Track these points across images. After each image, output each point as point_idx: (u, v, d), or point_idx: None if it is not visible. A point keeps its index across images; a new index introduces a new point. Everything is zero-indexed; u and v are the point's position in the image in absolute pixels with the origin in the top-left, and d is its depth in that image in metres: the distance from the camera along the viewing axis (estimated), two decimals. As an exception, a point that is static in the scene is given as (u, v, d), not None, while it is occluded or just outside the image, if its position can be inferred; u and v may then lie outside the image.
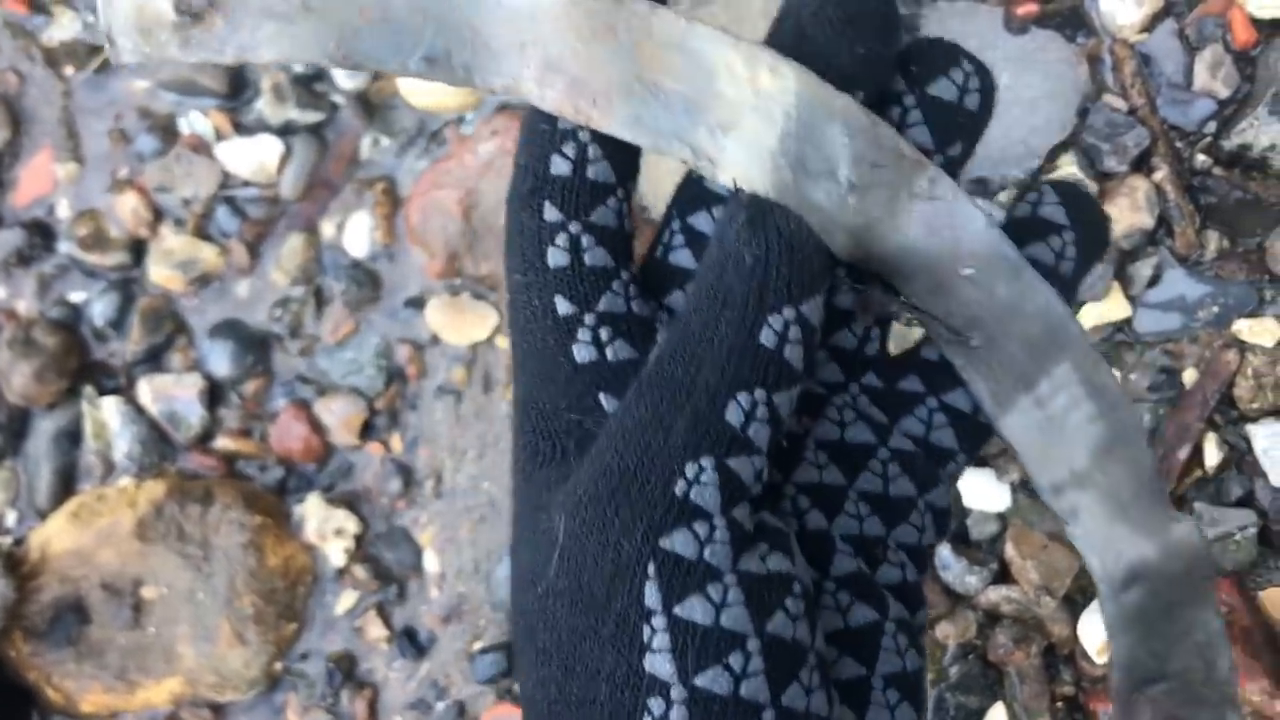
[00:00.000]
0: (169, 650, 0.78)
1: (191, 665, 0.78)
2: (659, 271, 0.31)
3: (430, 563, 0.80)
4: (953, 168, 0.29)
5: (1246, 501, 0.70)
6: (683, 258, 0.31)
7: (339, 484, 0.82)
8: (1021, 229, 0.30)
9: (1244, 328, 0.71)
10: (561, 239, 0.28)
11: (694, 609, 0.25)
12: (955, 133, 0.29)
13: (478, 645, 0.79)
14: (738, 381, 0.26)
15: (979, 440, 0.31)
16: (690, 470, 0.25)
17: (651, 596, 0.25)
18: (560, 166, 0.28)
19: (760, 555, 0.26)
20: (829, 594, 0.29)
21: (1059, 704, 0.71)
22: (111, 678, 0.77)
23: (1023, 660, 0.71)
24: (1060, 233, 0.30)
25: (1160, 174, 0.72)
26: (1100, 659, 0.69)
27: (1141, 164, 0.73)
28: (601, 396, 0.29)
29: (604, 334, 0.29)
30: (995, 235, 0.28)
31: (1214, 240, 0.72)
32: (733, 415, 0.26)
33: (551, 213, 0.28)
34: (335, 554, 0.80)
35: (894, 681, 0.29)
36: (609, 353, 0.29)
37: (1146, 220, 0.71)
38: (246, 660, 0.78)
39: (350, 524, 0.80)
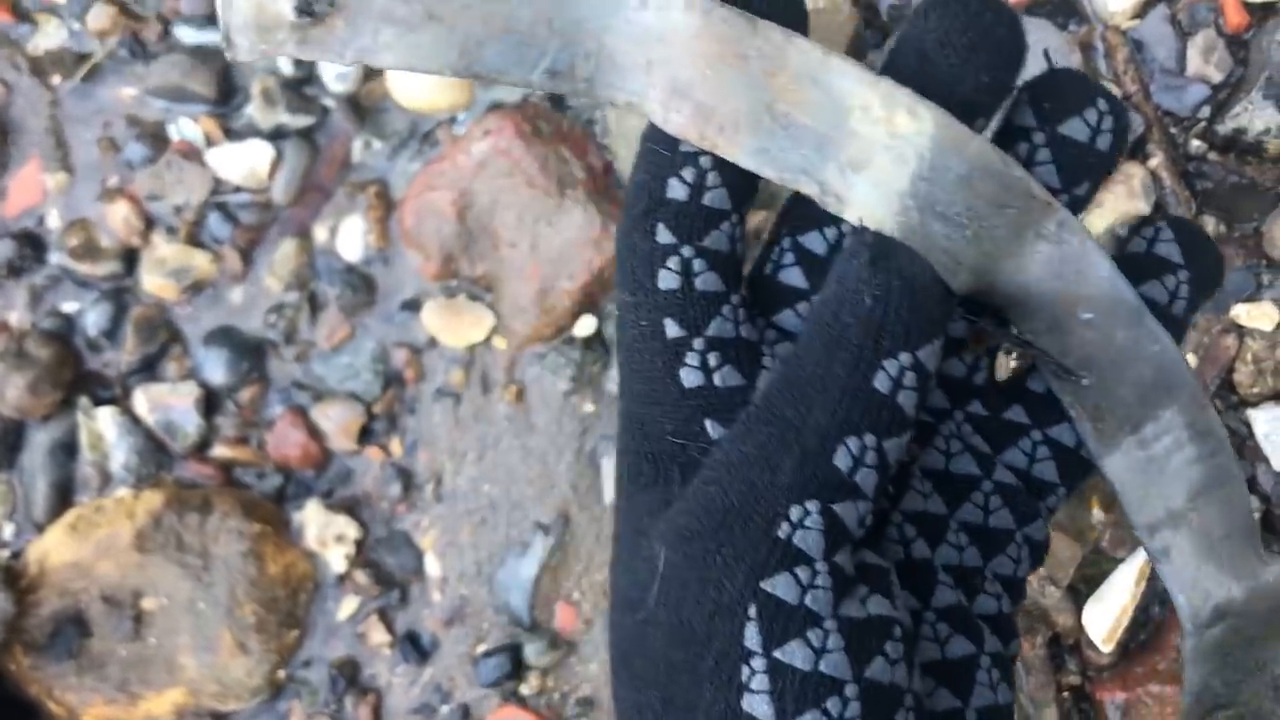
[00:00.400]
0: (171, 661, 0.77)
1: (194, 675, 0.77)
2: (768, 288, 0.30)
3: (432, 566, 0.80)
4: (1077, 206, 0.29)
5: (1249, 487, 0.70)
6: (793, 276, 0.30)
7: (338, 490, 0.81)
8: (1135, 266, 0.30)
9: (1242, 312, 0.71)
10: (673, 262, 0.28)
11: (794, 653, 0.25)
12: (1084, 174, 0.29)
13: (481, 648, 0.78)
14: (848, 425, 0.25)
15: (1080, 475, 0.31)
16: (795, 513, 0.25)
17: (752, 638, 0.25)
18: (677, 190, 0.28)
19: (860, 599, 0.26)
20: (928, 624, 0.29)
21: (1065, 694, 0.71)
22: (113, 690, 0.77)
23: (1028, 651, 0.70)
24: (1175, 272, 0.30)
25: (1155, 160, 0.72)
26: (1105, 648, 0.69)
27: (1136, 151, 0.73)
28: (707, 422, 0.28)
29: (712, 359, 0.28)
30: (1120, 282, 0.28)
31: (1210, 225, 0.72)
32: (841, 460, 0.25)
33: (665, 235, 0.28)
34: (336, 560, 0.80)
35: (987, 715, 0.29)
36: (716, 378, 0.28)
37: (1143, 207, 0.71)
38: (249, 669, 0.78)
39: (350, 529, 0.80)
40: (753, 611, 0.25)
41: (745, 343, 0.29)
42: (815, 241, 0.30)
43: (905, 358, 0.25)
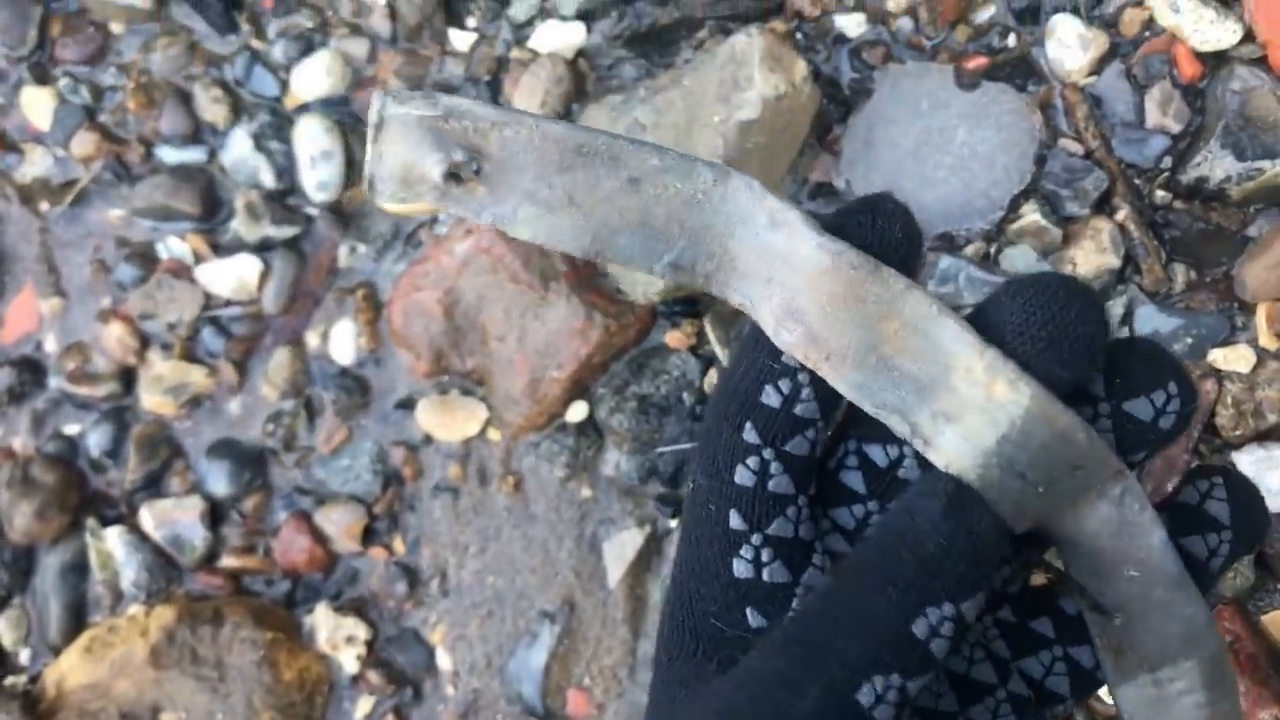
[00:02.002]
0: (193, 774, 0.78)
1: (216, 786, 0.78)
2: (828, 483, 0.32)
3: (443, 661, 0.81)
4: (1163, 495, 0.31)
5: (1240, 528, 0.71)
6: (854, 480, 0.31)
7: (346, 591, 0.82)
8: (1183, 518, 0.31)
9: (1219, 356, 0.72)
10: (753, 461, 0.30)
11: None
12: (1141, 447, 0.30)
13: (498, 738, 0.79)
14: (878, 665, 0.26)
15: (1089, 691, 0.32)
16: (876, 683, 0.26)
17: None
18: (771, 398, 0.30)
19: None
20: None
21: (1077, 746, 0.72)
22: (138, 806, 0.78)
23: (1036, 707, 0.71)
24: (1220, 531, 0.30)
25: (1122, 213, 0.73)
26: (1109, 698, 0.70)
27: (1103, 205, 0.74)
28: (749, 610, 0.30)
29: (765, 555, 0.30)
30: (1169, 554, 0.29)
31: (1181, 273, 0.73)
32: (864, 696, 0.26)
33: (751, 435, 0.30)
34: (348, 661, 0.81)
35: None
36: (765, 573, 0.30)
37: (1113, 260, 0.72)
38: (270, 776, 0.79)
39: (360, 630, 0.81)
40: None
41: (800, 542, 0.30)
42: (878, 454, 0.31)
43: (949, 608, 0.26)
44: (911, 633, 0.26)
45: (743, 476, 0.30)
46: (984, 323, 0.28)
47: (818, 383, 0.29)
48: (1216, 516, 0.31)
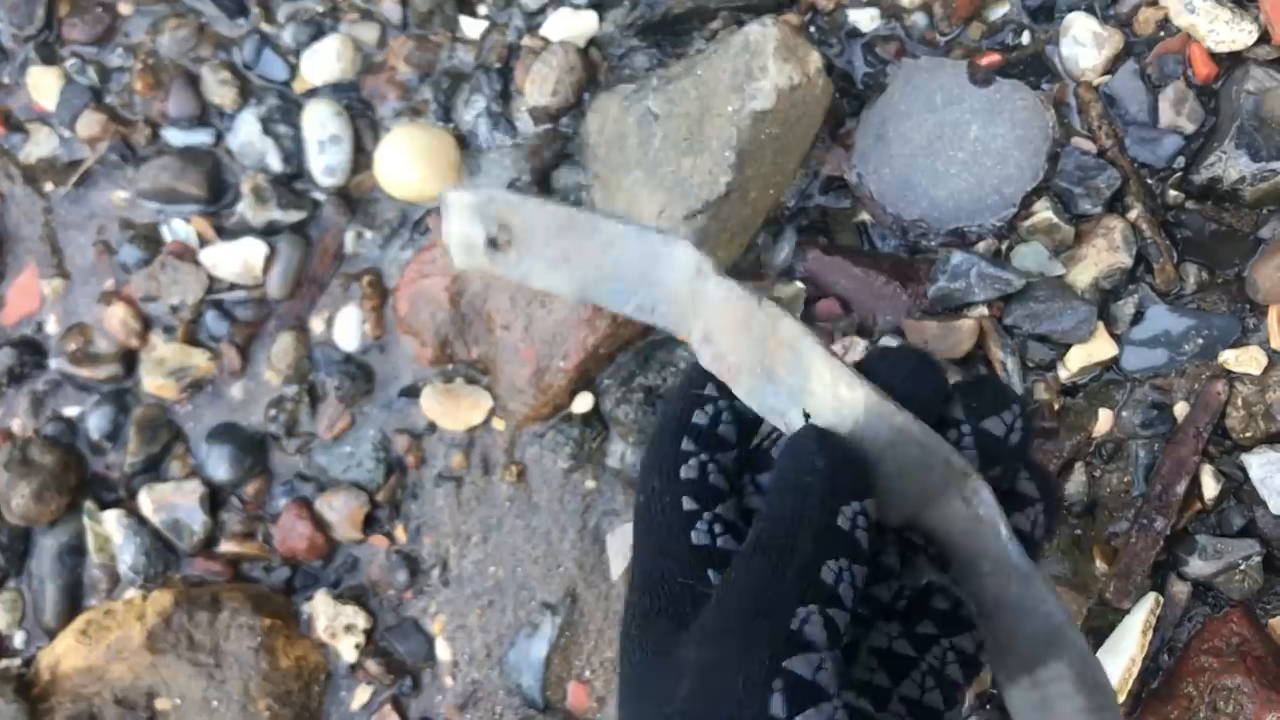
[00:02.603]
0: (187, 760, 0.77)
1: (211, 774, 0.77)
2: (761, 456, 0.39)
3: (442, 651, 0.80)
4: (994, 482, 0.35)
5: (1248, 531, 0.70)
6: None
7: (345, 579, 0.82)
8: (1006, 500, 0.35)
9: (1230, 358, 0.71)
10: (694, 462, 0.37)
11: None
12: (997, 460, 0.36)
13: (496, 730, 0.79)
14: (829, 550, 0.32)
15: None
16: (801, 612, 0.31)
17: (777, 707, 0.30)
18: (700, 419, 0.38)
19: (854, 695, 0.33)
20: None
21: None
22: (131, 793, 0.77)
23: (1041, 706, 0.71)
24: (1034, 504, 0.37)
25: (1134, 212, 0.73)
26: (1117, 700, 0.69)
27: (1115, 204, 0.74)
28: (710, 572, 0.36)
29: (717, 528, 0.36)
30: (1013, 548, 0.33)
31: (1193, 274, 0.73)
32: (827, 575, 0.32)
33: (688, 445, 0.37)
34: (347, 650, 0.80)
35: None
36: (719, 541, 0.36)
37: (1125, 259, 0.72)
38: (265, 764, 0.78)
39: (360, 619, 0.80)
40: (778, 685, 0.30)
41: (737, 526, 0.37)
42: None
43: (856, 505, 0.33)
44: (839, 526, 0.32)
45: (688, 473, 0.37)
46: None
47: (731, 409, 0.38)
48: (1026, 493, 0.37)
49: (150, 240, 0.85)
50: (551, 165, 0.80)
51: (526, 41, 0.81)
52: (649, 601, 0.36)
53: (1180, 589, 0.71)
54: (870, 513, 0.33)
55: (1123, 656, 0.70)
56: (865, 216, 0.77)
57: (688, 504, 0.36)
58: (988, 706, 0.72)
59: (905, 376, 0.35)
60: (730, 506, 0.37)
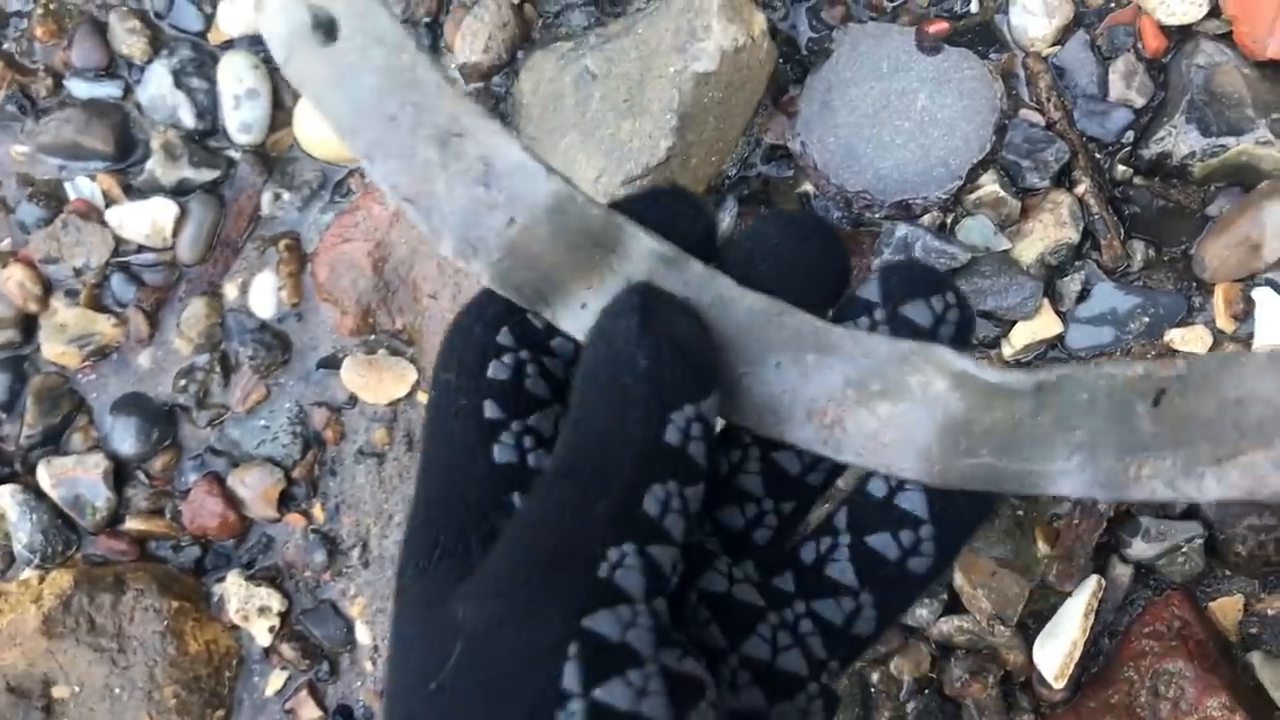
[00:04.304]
0: (87, 751, 0.73)
1: (112, 765, 0.73)
2: (727, 488, 0.32)
3: (362, 635, 0.76)
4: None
5: (1191, 513, 0.69)
6: (753, 483, 0.32)
7: (259, 559, 0.78)
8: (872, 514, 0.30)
9: (1176, 336, 0.70)
10: (509, 358, 0.29)
11: (615, 693, 0.24)
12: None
13: (418, 717, 0.75)
14: (651, 474, 0.26)
15: (841, 644, 0.31)
16: (614, 554, 0.25)
17: (570, 678, 0.23)
18: (519, 324, 0.30)
19: (677, 656, 0.26)
20: None
21: (1020, 733, 0.70)
22: (26, 785, 0.73)
23: (980, 692, 0.69)
24: (918, 527, 0.30)
25: (1082, 187, 0.71)
26: (1058, 684, 0.68)
27: (1063, 178, 0.72)
28: (515, 497, 0.28)
29: (528, 442, 0.29)
30: (795, 318, 0.29)
31: (1140, 251, 0.71)
32: (650, 505, 0.25)
33: (506, 338, 0.29)
34: (261, 634, 0.76)
35: None
36: (530, 459, 0.29)
37: (1072, 235, 0.70)
38: (172, 754, 0.74)
39: (274, 601, 0.76)
40: (573, 650, 0.24)
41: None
42: (788, 460, 0.32)
43: (690, 409, 0.26)
44: (667, 441, 0.26)
45: (497, 371, 0.29)
46: (735, 247, 0.30)
47: (548, 342, 0.30)
48: (912, 510, 0.30)
49: (52, 198, 0.80)
50: (483, 126, 0.76)
51: (457, -4, 0.77)
52: (429, 536, 0.28)
53: (1122, 572, 0.70)
54: (710, 416, 0.27)
55: (1064, 640, 0.68)
56: (808, 187, 0.75)
57: (491, 410, 0.28)
58: (926, 692, 0.71)
59: (795, 242, 0.29)
60: (550, 417, 0.29)
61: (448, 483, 0.29)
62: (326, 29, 0.29)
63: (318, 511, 0.77)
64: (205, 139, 0.79)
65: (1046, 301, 0.71)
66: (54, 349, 0.78)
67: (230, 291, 0.79)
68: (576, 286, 0.29)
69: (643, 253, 0.29)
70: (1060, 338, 0.71)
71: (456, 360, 0.29)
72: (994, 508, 0.31)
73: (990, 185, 0.71)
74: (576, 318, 0.29)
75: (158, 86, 0.78)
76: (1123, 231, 0.71)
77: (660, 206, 0.30)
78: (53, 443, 0.79)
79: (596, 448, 0.26)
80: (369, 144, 0.29)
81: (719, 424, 0.29)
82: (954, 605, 0.70)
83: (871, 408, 0.28)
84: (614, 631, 0.24)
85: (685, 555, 0.28)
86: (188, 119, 0.78)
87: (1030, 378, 0.28)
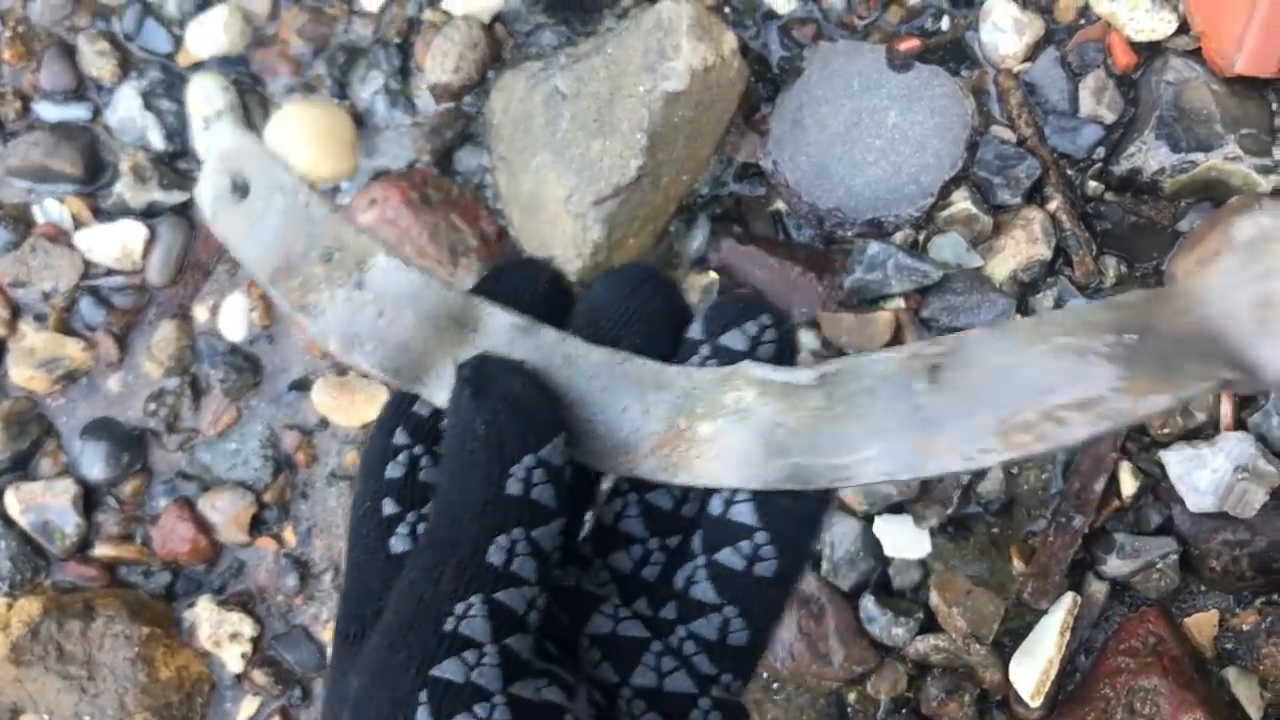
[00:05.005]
0: (56, 781, 0.72)
1: (82, 794, 0.72)
2: (610, 533, 0.34)
3: (335, 660, 0.76)
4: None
5: (1165, 529, 0.69)
6: (634, 526, 0.34)
7: (231, 584, 0.77)
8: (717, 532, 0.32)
9: (1148, 353, 0.70)
10: (402, 458, 0.32)
11: None
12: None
13: (392, 742, 0.74)
14: (494, 528, 0.28)
15: (734, 659, 0.33)
16: (459, 608, 0.28)
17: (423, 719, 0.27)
18: (421, 409, 0.33)
19: (537, 687, 0.28)
20: None
21: (997, 752, 0.70)
22: (-6, 816, 0.72)
23: (956, 711, 0.69)
24: (753, 535, 0.32)
25: (1054, 204, 0.71)
26: (1034, 702, 0.68)
27: (1034, 194, 0.72)
28: None
29: (421, 529, 0.32)
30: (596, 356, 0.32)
31: (1112, 266, 0.71)
32: (494, 556, 0.28)
33: (401, 437, 0.33)
34: (232, 659, 0.75)
35: None
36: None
37: (1044, 251, 0.70)
38: (143, 783, 0.73)
39: (246, 626, 0.75)
40: (423, 697, 0.27)
41: None
42: (661, 498, 0.34)
43: (530, 459, 0.29)
44: (508, 493, 0.29)
45: (393, 470, 0.32)
46: (580, 306, 0.33)
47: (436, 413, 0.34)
48: (743, 520, 0.32)
49: (20, 221, 0.79)
50: (453, 146, 0.76)
51: (428, 15, 0.77)
52: (344, 625, 0.32)
53: (1098, 588, 0.69)
54: (554, 461, 0.30)
55: (1040, 658, 0.68)
56: (781, 205, 0.74)
57: (388, 507, 0.32)
58: (903, 711, 0.70)
59: (629, 296, 0.32)
60: None
61: (357, 577, 0.32)
62: (242, 189, 0.34)
63: (289, 535, 0.77)
64: (174, 161, 0.79)
65: (1019, 318, 0.71)
66: (22, 373, 0.77)
67: (200, 314, 0.78)
68: (445, 365, 0.32)
69: (500, 326, 0.32)
70: (1033, 354, 0.71)
71: (364, 467, 0.33)
72: (824, 505, 0.32)
73: (962, 202, 0.71)
74: (448, 393, 0.32)
75: (127, 108, 0.78)
76: (1095, 247, 0.71)
77: (507, 278, 0.34)
78: (21, 468, 0.78)
79: (448, 514, 0.29)
80: (273, 272, 0.34)
81: (610, 477, 0.33)
82: (930, 624, 0.70)
83: (696, 429, 0.31)
84: (459, 675, 0.27)
85: (556, 589, 0.31)
86: (157, 141, 0.78)
87: (813, 371, 0.30)
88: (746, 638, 0.32)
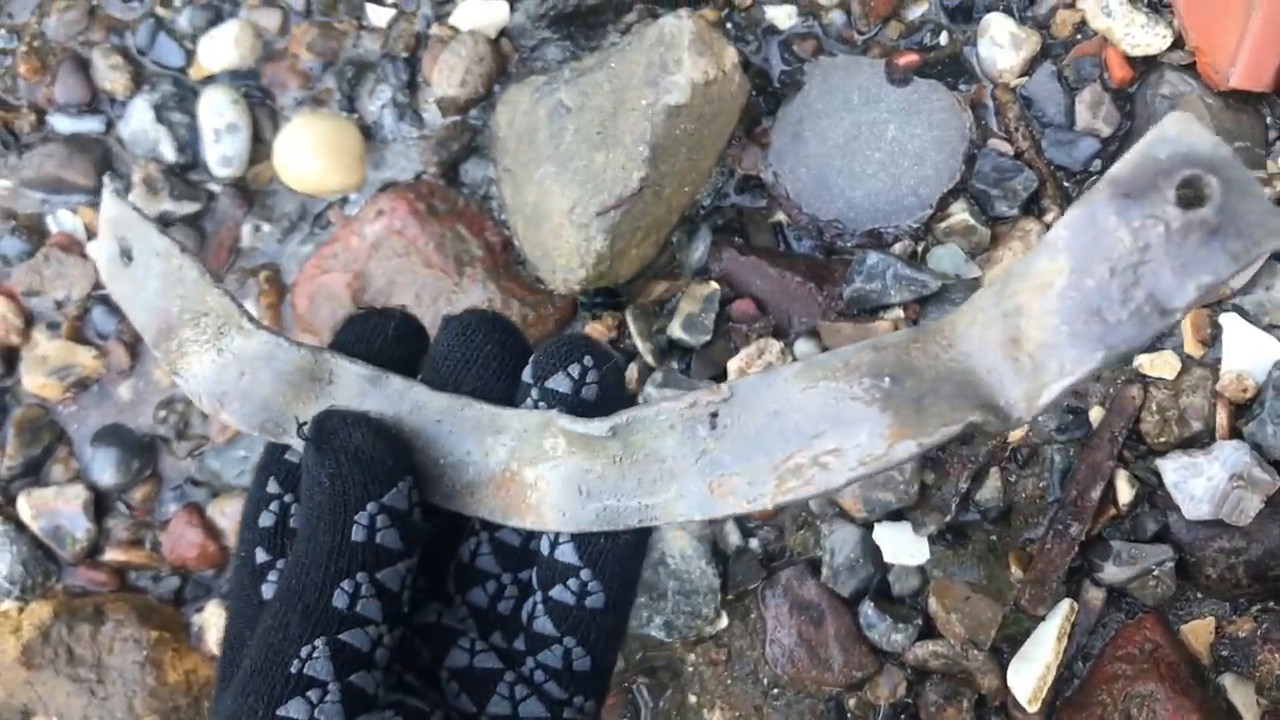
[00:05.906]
0: (65, 782, 0.73)
1: (91, 796, 0.73)
2: (464, 570, 0.36)
3: (341, 664, 0.76)
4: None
5: (1162, 536, 0.70)
6: (487, 563, 0.37)
7: (239, 589, 0.78)
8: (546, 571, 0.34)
9: (1145, 362, 0.71)
10: (274, 505, 0.34)
11: None
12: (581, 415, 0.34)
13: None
14: (338, 573, 0.30)
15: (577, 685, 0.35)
16: (304, 651, 0.30)
17: None
18: (284, 470, 0.35)
19: (383, 717, 0.31)
20: None
21: (995, 757, 0.70)
22: (4, 817, 0.72)
23: (954, 716, 0.69)
24: (578, 573, 0.34)
25: (1051, 216, 0.72)
26: (1031, 707, 0.68)
27: (1032, 206, 0.73)
28: None
29: None
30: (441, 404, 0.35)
31: (1108, 277, 0.72)
32: (339, 600, 0.30)
33: (273, 487, 0.35)
34: (239, 663, 0.76)
35: None
36: None
37: (1041, 262, 0.71)
38: (150, 785, 0.74)
39: (253, 631, 0.76)
40: None
41: None
42: (510, 536, 0.36)
43: (373, 506, 0.31)
44: (353, 540, 0.30)
45: (265, 519, 0.34)
46: (431, 359, 0.35)
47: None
48: (567, 561, 0.34)
49: (34, 231, 0.80)
50: (459, 158, 0.77)
51: (435, 30, 0.78)
52: (222, 670, 0.34)
53: (1095, 595, 0.70)
54: (399, 504, 0.31)
55: (1038, 664, 0.69)
56: (781, 216, 0.76)
57: (260, 556, 0.34)
58: (902, 717, 0.71)
59: (467, 340, 0.34)
60: None
61: (232, 625, 0.34)
62: (127, 254, 0.36)
63: (297, 541, 0.78)
64: (186, 172, 0.80)
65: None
66: (35, 381, 0.78)
67: (211, 323, 0.79)
68: (304, 417, 0.34)
69: (350, 378, 0.34)
70: (1031, 364, 0.72)
71: (243, 515, 0.35)
72: (642, 538, 0.34)
73: (960, 214, 0.72)
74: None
75: (139, 121, 0.79)
76: (1091, 259, 0.72)
77: (358, 328, 0.36)
78: (33, 474, 0.79)
79: (298, 563, 0.31)
80: (156, 334, 0.36)
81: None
82: (929, 630, 0.71)
83: (523, 474, 0.33)
84: (303, 713, 0.29)
85: (418, 625, 0.33)
86: (169, 153, 0.79)
87: (605, 423, 0.32)
88: (589, 664, 0.34)
